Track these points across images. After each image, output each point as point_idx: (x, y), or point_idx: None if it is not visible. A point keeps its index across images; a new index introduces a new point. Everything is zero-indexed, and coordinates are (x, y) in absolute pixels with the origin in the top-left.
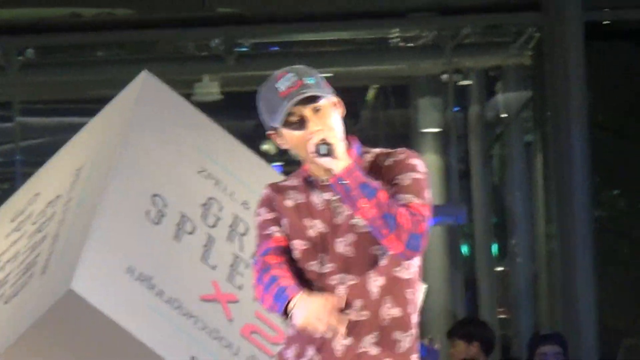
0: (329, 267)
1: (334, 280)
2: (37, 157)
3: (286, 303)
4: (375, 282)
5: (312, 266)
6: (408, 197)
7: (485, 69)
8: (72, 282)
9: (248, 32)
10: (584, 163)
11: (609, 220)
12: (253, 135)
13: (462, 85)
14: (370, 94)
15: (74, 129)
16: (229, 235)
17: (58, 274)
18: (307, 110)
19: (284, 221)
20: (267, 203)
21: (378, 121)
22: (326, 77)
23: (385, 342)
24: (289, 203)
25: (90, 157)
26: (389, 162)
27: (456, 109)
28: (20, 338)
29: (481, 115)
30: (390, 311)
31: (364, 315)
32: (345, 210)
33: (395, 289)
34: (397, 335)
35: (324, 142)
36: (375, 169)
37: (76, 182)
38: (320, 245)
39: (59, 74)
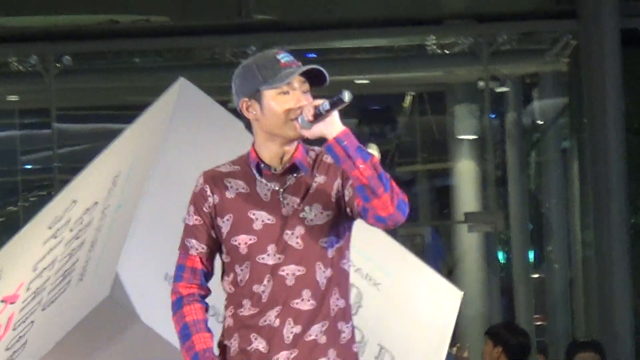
0: (278, 258)
1: (284, 271)
2: (74, 164)
3: None
4: (324, 274)
5: (263, 259)
6: None
7: (522, 75)
8: (110, 289)
9: (284, 39)
10: (620, 169)
11: None
12: None
13: (499, 92)
14: (407, 100)
15: (111, 135)
16: None
17: (96, 280)
18: (303, 86)
19: (221, 219)
20: (198, 200)
21: (414, 128)
22: (363, 84)
23: (331, 332)
24: (229, 195)
25: (128, 163)
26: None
27: (493, 115)
28: (57, 345)
29: (518, 122)
30: (338, 302)
31: (312, 304)
32: (291, 202)
33: (341, 280)
34: (341, 325)
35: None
36: (320, 164)
37: (114, 189)
38: (268, 238)
39: (96, 80)
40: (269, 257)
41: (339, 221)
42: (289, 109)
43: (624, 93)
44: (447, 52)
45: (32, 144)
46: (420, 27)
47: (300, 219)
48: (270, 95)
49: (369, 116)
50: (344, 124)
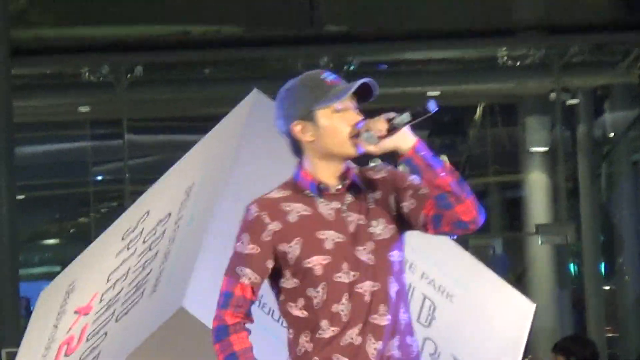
0: (353, 275)
1: (361, 288)
2: (146, 175)
3: None
4: (393, 288)
5: (339, 277)
6: None
7: (593, 87)
8: (184, 300)
9: (355, 50)
10: None
11: None
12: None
13: (570, 104)
14: (478, 112)
15: (182, 147)
16: None
17: (169, 292)
18: (352, 102)
19: (288, 244)
20: (254, 228)
21: (485, 140)
22: (434, 96)
23: (403, 346)
24: (292, 219)
25: (201, 175)
26: (380, 174)
27: (564, 128)
28: (130, 357)
29: (589, 134)
30: (404, 316)
31: (388, 319)
32: (355, 219)
33: (404, 293)
34: (409, 339)
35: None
36: (369, 180)
37: (187, 200)
38: (341, 256)
39: (168, 91)
40: (345, 276)
41: (400, 234)
42: (351, 124)
43: None
44: (519, 63)
45: (104, 155)
46: (492, 38)
47: (369, 234)
48: (324, 115)
49: (440, 128)
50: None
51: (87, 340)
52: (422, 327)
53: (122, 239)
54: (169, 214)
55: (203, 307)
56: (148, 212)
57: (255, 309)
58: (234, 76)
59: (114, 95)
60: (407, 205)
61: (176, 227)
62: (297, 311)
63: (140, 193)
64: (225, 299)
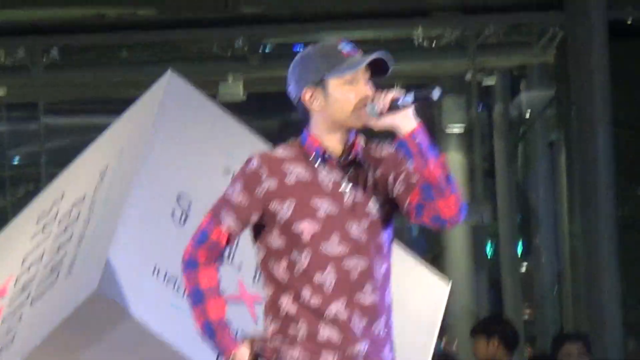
0: (342, 249)
1: (349, 264)
2: (62, 158)
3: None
4: (381, 269)
5: (325, 249)
6: None
7: (509, 68)
8: (98, 283)
9: (272, 31)
10: (607, 161)
11: (632, 218)
12: (277, 136)
13: (486, 85)
14: None
15: (99, 129)
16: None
17: (84, 274)
18: (365, 75)
19: (279, 204)
20: (250, 181)
21: None
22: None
23: (387, 327)
24: (289, 180)
25: (116, 157)
26: (385, 152)
27: (480, 108)
28: (46, 340)
29: (505, 114)
30: (388, 297)
31: (374, 299)
32: (352, 194)
33: (389, 276)
34: (390, 320)
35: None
36: (374, 156)
37: (102, 183)
38: (331, 228)
39: (84, 74)
40: (333, 247)
41: (392, 216)
42: (360, 97)
43: (612, 85)
44: (434, 44)
45: (20, 138)
46: (407, 19)
47: (365, 213)
48: (336, 84)
49: None
50: None
51: (3, 322)
52: None
53: (38, 221)
54: (84, 197)
55: (118, 289)
56: (63, 194)
57: (161, 285)
58: (150, 59)
59: (30, 79)
60: (398, 188)
61: (91, 210)
62: (279, 272)
63: (56, 175)
64: (202, 237)
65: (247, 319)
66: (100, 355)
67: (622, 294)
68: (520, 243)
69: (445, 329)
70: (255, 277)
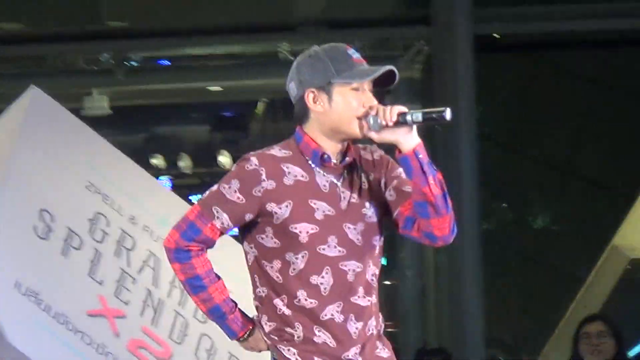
0: (339, 251)
1: (345, 266)
2: None
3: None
4: (372, 272)
5: (323, 250)
6: None
7: None
8: None
9: (137, 45)
10: (472, 176)
11: (496, 232)
12: (142, 150)
13: None
14: (260, 107)
15: None
16: (116, 250)
17: None
18: (369, 85)
19: (277, 205)
20: (248, 180)
21: (267, 135)
22: (215, 91)
23: (378, 326)
24: (287, 181)
25: None
26: (376, 156)
27: None
28: None
29: None
30: (376, 299)
31: (368, 301)
32: (348, 196)
33: (377, 278)
34: (381, 320)
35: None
36: (366, 161)
37: None
38: (329, 229)
39: None
40: (330, 250)
41: (383, 219)
42: (364, 107)
43: (477, 99)
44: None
45: None
46: (273, 33)
47: (361, 215)
48: (341, 90)
49: (222, 123)
50: (196, 131)
51: None
52: (198, 323)
53: None
54: None
55: None
56: None
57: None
58: (15, 72)
59: None
60: (389, 194)
61: None
62: (272, 272)
63: None
64: (191, 232)
65: (108, 334)
66: None
67: (485, 309)
68: (384, 257)
69: None
70: (115, 292)
